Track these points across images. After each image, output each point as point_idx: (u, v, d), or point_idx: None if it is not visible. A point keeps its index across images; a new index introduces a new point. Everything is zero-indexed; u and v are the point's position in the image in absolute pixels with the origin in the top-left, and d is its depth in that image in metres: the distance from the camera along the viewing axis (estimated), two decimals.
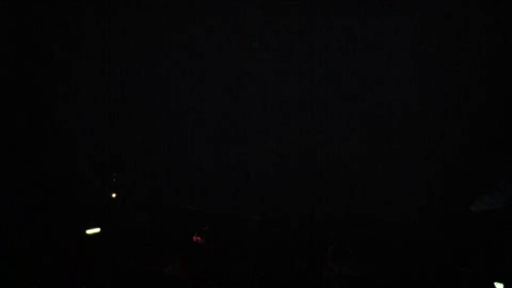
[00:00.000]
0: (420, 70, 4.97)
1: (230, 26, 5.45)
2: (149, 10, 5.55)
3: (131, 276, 4.56)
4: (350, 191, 5.09)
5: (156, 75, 5.66)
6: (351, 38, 5.19)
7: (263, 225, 5.09)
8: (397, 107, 5.09)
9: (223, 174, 5.52)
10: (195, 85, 5.62)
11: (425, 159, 4.91)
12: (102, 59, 5.52)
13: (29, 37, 5.28)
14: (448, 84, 4.89)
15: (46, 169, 5.28)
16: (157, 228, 5.23)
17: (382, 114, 5.14)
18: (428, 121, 4.93)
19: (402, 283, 4.37)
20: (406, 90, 5.04)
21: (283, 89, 5.43)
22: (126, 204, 5.44)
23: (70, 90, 5.48)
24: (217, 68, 5.58)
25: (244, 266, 4.68)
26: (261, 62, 5.44)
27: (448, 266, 4.43)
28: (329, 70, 5.25)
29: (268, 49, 5.42)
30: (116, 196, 5.47)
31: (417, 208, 4.79)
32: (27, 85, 5.29)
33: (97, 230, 5.12)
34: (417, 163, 4.93)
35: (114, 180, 5.47)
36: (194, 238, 4.93)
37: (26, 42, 5.27)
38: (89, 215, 5.19)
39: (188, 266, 4.69)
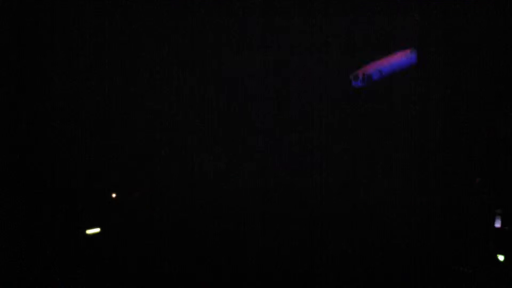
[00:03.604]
0: (420, 70, 4.97)
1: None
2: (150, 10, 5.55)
3: (131, 276, 4.56)
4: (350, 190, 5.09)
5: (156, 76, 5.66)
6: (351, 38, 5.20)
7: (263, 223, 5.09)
8: (397, 107, 5.09)
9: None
10: (196, 85, 5.62)
11: (425, 159, 4.90)
12: (102, 57, 5.52)
13: (28, 37, 5.28)
14: (449, 84, 4.89)
15: (46, 169, 5.28)
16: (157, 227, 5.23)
17: (382, 113, 5.15)
18: (427, 120, 4.93)
19: (401, 283, 4.37)
20: (406, 89, 5.05)
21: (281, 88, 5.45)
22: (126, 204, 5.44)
23: (70, 89, 5.48)
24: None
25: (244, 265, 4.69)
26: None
27: (448, 266, 4.43)
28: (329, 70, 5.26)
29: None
30: (116, 196, 5.47)
31: (416, 207, 4.79)
32: (26, 84, 5.29)
33: (97, 230, 5.12)
34: (416, 163, 4.93)
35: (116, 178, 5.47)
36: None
37: (25, 42, 5.27)
38: (89, 215, 5.19)
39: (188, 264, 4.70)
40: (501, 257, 4.34)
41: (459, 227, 4.56)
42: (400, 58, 4.91)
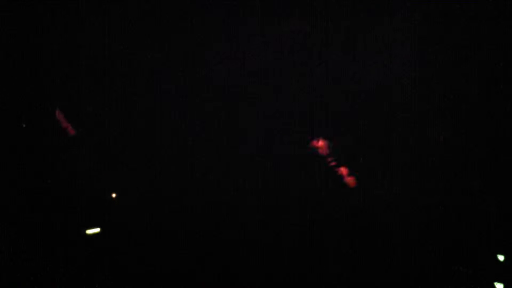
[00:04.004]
0: (420, 70, 4.98)
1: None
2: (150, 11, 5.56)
3: (131, 276, 4.56)
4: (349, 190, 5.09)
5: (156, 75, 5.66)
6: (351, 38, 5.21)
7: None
8: (397, 106, 5.10)
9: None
10: (195, 85, 5.62)
11: (425, 159, 4.91)
12: (102, 57, 5.52)
13: (29, 36, 5.28)
14: (449, 84, 4.89)
15: (46, 169, 5.28)
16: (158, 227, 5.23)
17: (382, 113, 5.15)
18: (427, 120, 4.94)
19: (401, 283, 4.37)
20: (406, 89, 5.05)
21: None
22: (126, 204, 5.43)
23: (70, 89, 5.48)
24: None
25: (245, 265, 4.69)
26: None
27: (448, 266, 4.43)
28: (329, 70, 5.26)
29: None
30: (116, 196, 5.47)
31: (417, 208, 4.79)
32: (26, 84, 5.29)
33: (97, 230, 5.12)
34: (416, 163, 4.94)
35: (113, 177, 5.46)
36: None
37: (26, 42, 5.27)
38: (89, 215, 5.19)
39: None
40: (501, 257, 4.34)
41: (459, 227, 4.56)
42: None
